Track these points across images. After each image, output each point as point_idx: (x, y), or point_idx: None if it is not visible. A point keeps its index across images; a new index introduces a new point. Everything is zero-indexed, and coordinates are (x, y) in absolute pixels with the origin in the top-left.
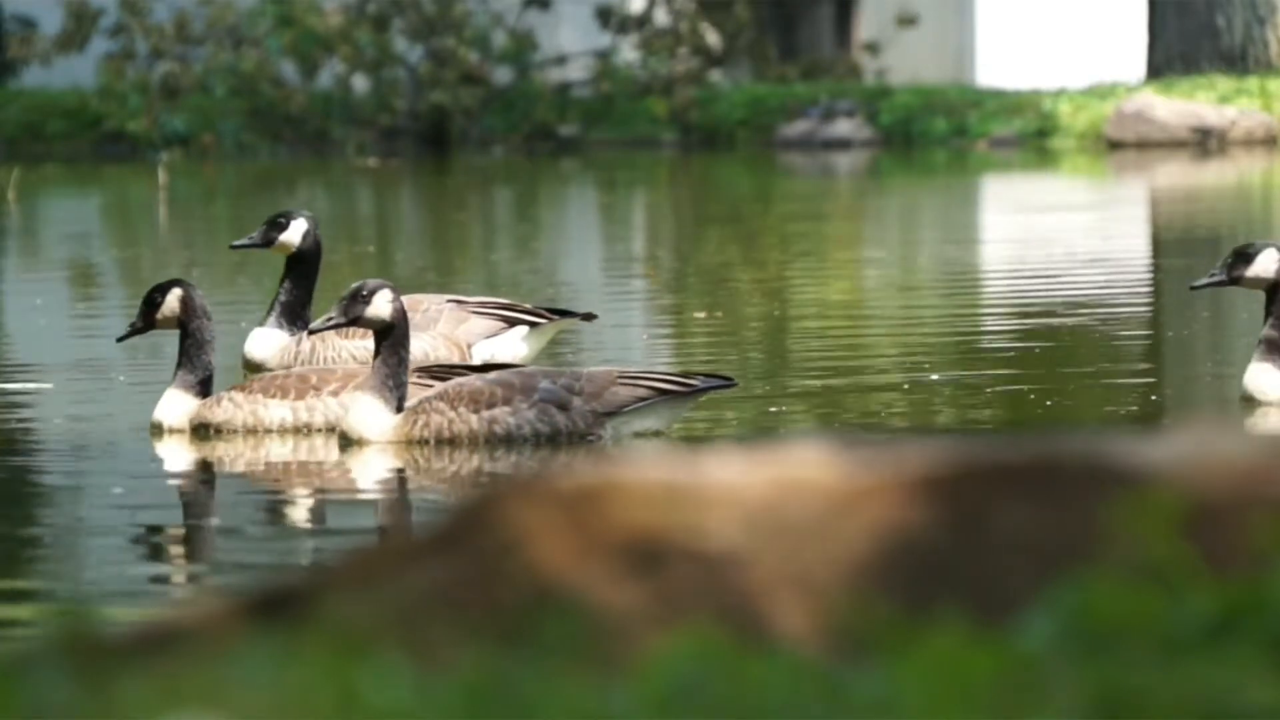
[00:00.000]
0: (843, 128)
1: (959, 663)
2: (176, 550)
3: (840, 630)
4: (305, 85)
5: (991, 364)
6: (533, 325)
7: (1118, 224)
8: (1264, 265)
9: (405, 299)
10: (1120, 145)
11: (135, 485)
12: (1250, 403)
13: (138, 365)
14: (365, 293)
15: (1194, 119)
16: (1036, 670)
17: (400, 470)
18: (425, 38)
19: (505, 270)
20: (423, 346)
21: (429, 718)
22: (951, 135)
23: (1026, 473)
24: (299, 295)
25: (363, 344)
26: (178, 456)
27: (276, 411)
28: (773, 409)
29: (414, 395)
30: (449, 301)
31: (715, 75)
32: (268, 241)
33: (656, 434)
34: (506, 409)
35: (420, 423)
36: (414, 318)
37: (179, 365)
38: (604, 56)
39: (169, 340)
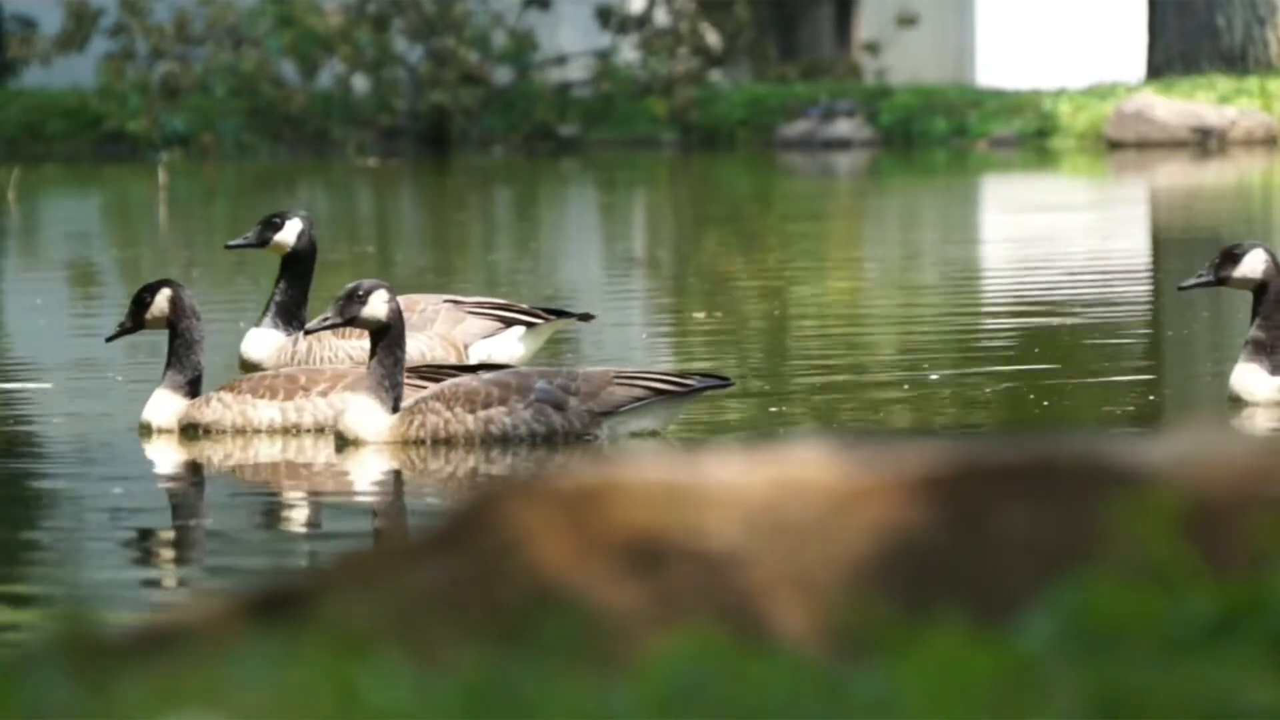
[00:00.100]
0: (843, 128)
1: (959, 663)
2: (174, 551)
3: (840, 630)
4: (305, 85)
5: (991, 364)
6: (529, 325)
7: (1118, 224)
8: (1251, 266)
9: (402, 299)
10: (1120, 145)
11: (134, 485)
12: (1237, 403)
13: (137, 365)
14: (361, 293)
15: (1194, 119)
16: (1036, 670)
17: (396, 470)
18: (425, 38)
19: (505, 270)
20: (419, 347)
21: (429, 718)
22: (951, 135)
23: (1026, 473)
24: (294, 295)
25: (359, 344)
26: (170, 457)
27: (265, 412)
28: (773, 409)
29: (404, 396)
30: (445, 302)
31: (715, 75)
32: (262, 241)
33: (653, 434)
34: (502, 409)
35: (416, 423)
36: (410, 318)
37: (168, 365)
38: (604, 56)
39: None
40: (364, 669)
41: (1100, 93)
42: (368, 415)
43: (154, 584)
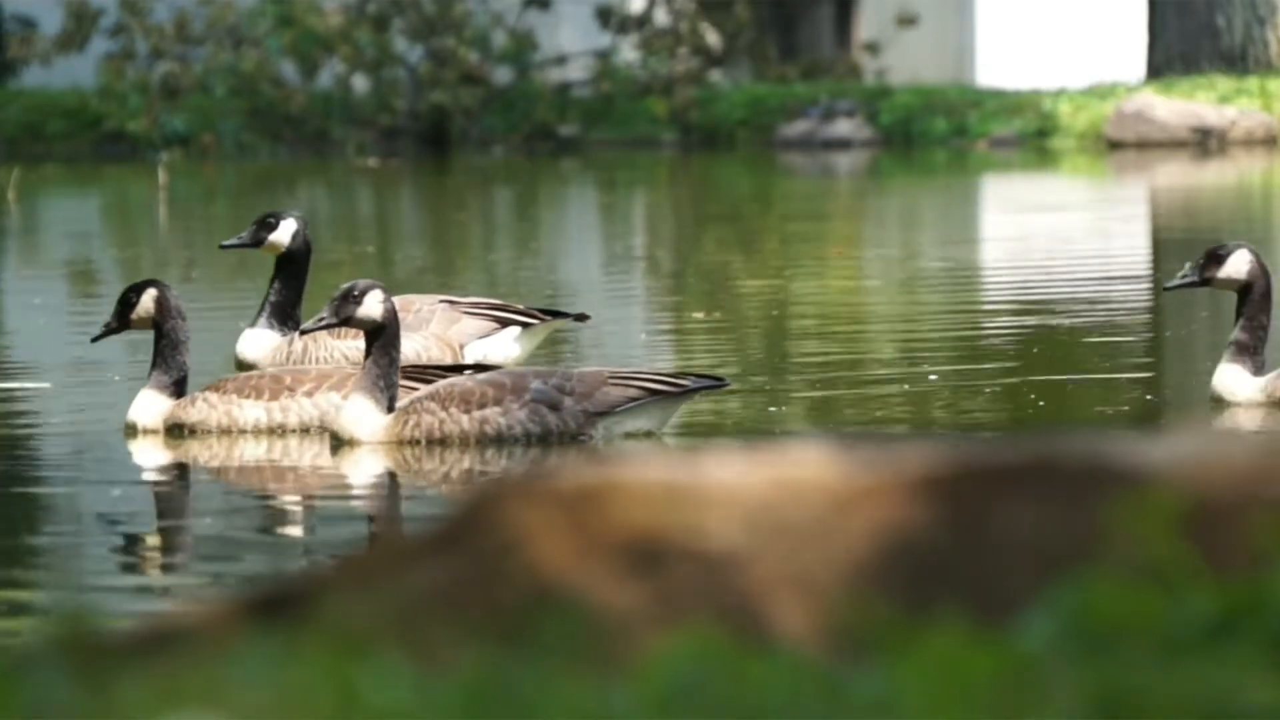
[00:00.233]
0: (843, 128)
1: (959, 663)
2: (172, 552)
3: (840, 630)
4: (305, 85)
5: (991, 364)
6: (525, 326)
7: (1118, 224)
8: (1235, 266)
9: (397, 299)
10: (1120, 145)
11: (132, 485)
12: (1219, 403)
13: (137, 364)
14: (356, 293)
15: (1194, 119)
16: (1036, 670)
17: (391, 471)
18: (425, 38)
19: (505, 270)
20: (415, 347)
21: (429, 718)
22: (951, 135)
23: (1026, 473)
24: (289, 295)
25: (354, 344)
26: (164, 457)
27: (251, 412)
28: (772, 409)
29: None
30: (441, 302)
31: (715, 75)
32: (257, 241)
33: (648, 434)
34: (497, 409)
35: (411, 423)
36: (406, 318)
37: (153, 365)
38: (604, 56)
39: None
40: (364, 669)
41: (1100, 93)
42: (363, 415)
43: (152, 584)
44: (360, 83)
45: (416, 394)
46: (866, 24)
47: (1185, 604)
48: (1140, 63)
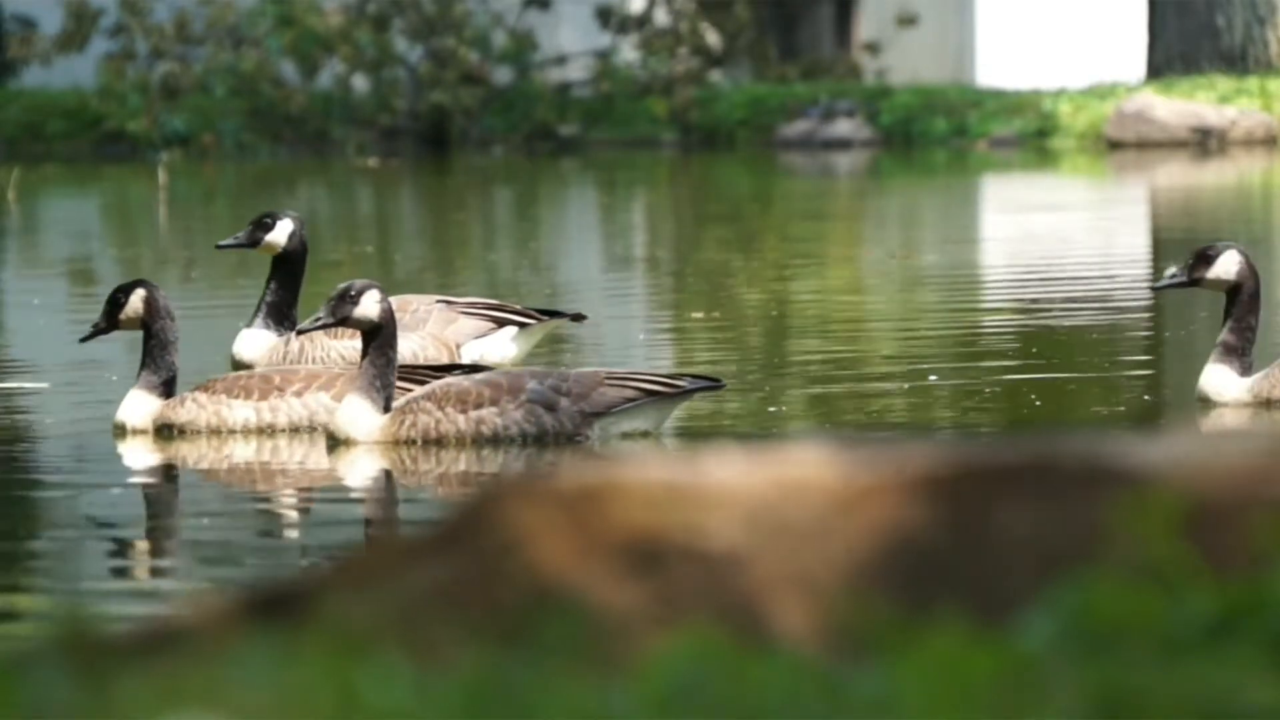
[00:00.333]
0: (843, 128)
1: (959, 663)
2: (170, 553)
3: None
4: (305, 85)
5: (991, 364)
6: (522, 326)
7: (1117, 224)
8: (1224, 267)
9: (394, 299)
10: (1120, 145)
11: (129, 485)
12: (1206, 404)
13: (135, 364)
14: (353, 293)
15: (1194, 119)
16: (1036, 670)
17: (387, 470)
18: (425, 38)
19: (505, 270)
20: (411, 347)
21: (429, 718)
22: (951, 135)
23: (1026, 473)
24: (285, 295)
25: (351, 344)
26: (160, 458)
27: (240, 412)
28: (772, 409)
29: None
30: (438, 302)
31: (715, 75)
32: (253, 242)
33: (644, 435)
34: (494, 409)
35: (407, 423)
36: (403, 318)
37: (142, 366)
38: (604, 56)
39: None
40: (364, 669)
41: (1100, 93)
42: (359, 415)
43: (150, 585)
44: (360, 83)
45: (413, 394)
46: (866, 24)
47: (1185, 604)
48: (1140, 63)
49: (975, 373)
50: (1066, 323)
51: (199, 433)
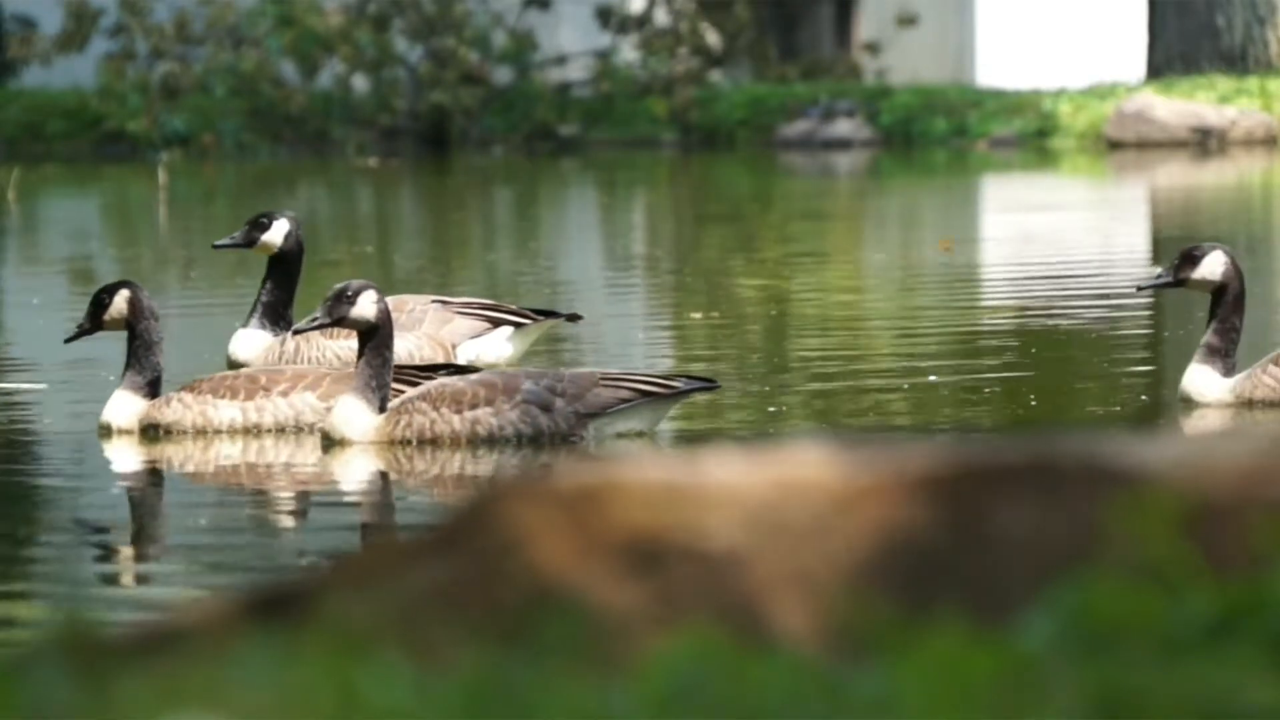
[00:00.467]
0: (843, 128)
1: (959, 663)
2: (167, 553)
3: (840, 630)
4: (305, 85)
5: (991, 364)
6: (517, 326)
7: (1118, 224)
8: (1210, 268)
9: (390, 299)
10: (1120, 145)
11: (127, 486)
12: (1189, 404)
13: None
14: (350, 293)
15: (1194, 119)
16: (1036, 670)
17: (383, 470)
18: (425, 38)
19: (504, 270)
20: (407, 347)
21: (429, 718)
22: (951, 135)
23: (1026, 473)
24: (281, 296)
25: (347, 344)
26: (142, 458)
27: (226, 412)
28: (772, 409)
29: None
30: (434, 302)
31: (715, 75)
32: (250, 242)
33: (639, 435)
34: (489, 410)
35: (403, 423)
36: (399, 318)
37: (127, 366)
38: (604, 56)
39: (166, 341)
40: (364, 669)
41: (1100, 93)
42: (354, 415)
43: (149, 587)
44: (360, 83)
45: (408, 394)
46: (866, 24)
47: (1185, 604)
48: (1140, 63)
49: (975, 373)
50: (1066, 322)
51: (185, 433)
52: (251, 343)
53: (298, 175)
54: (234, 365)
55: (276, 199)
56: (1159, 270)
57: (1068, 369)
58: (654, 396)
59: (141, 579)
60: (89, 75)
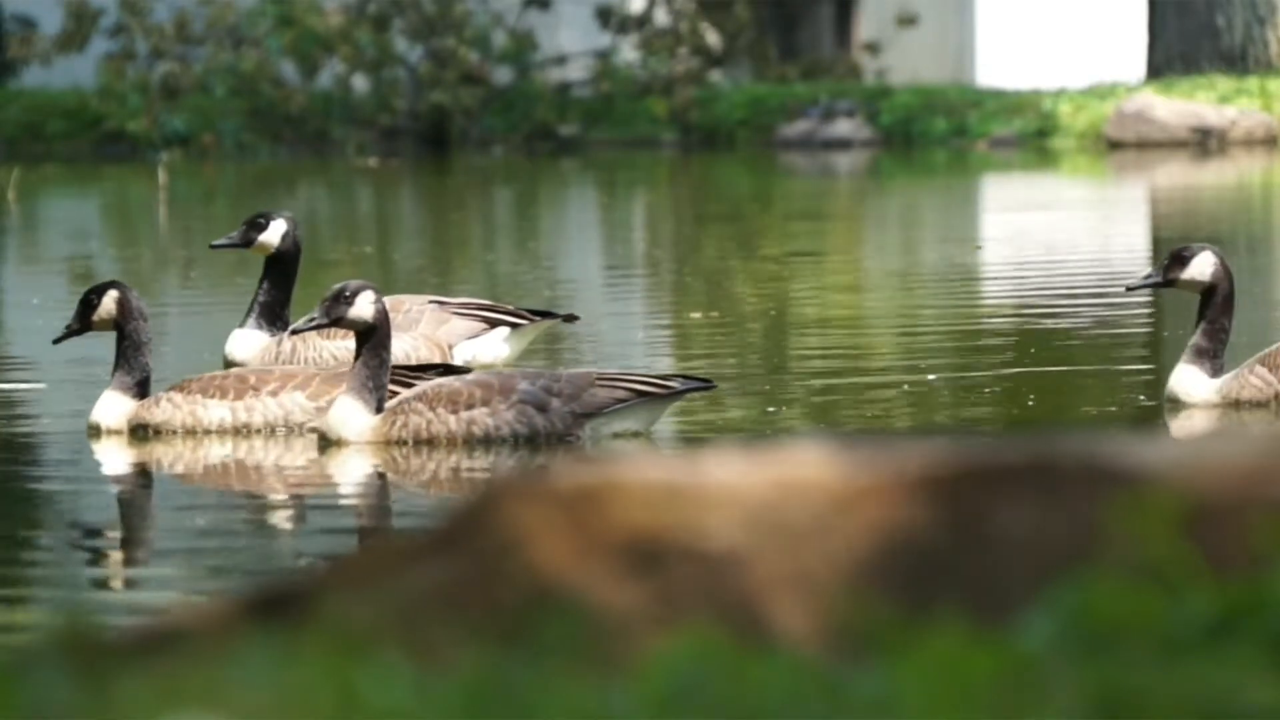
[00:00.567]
0: (843, 128)
1: (959, 663)
2: (165, 553)
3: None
4: (305, 85)
5: (990, 364)
6: (514, 326)
7: (1117, 224)
8: (1199, 268)
9: (387, 300)
10: (1120, 145)
11: (126, 486)
12: (1175, 404)
13: None
14: (348, 294)
15: (1194, 119)
16: (1036, 670)
17: (379, 471)
18: (425, 38)
19: (504, 270)
20: (404, 347)
21: (429, 718)
22: (951, 135)
23: (1026, 473)
24: (278, 296)
25: (344, 344)
26: (136, 458)
27: (215, 412)
28: (771, 409)
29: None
30: (430, 302)
31: (715, 75)
32: (247, 242)
33: (635, 435)
34: (485, 410)
35: (399, 423)
36: (396, 319)
37: (116, 366)
38: (604, 56)
39: (165, 341)
40: (364, 669)
41: (1100, 93)
42: (351, 415)
43: (147, 587)
44: (360, 83)
45: (404, 394)
46: (866, 24)
47: (1185, 604)
48: (1140, 63)
49: (975, 373)
50: (1066, 322)
51: (174, 433)
52: (248, 343)
53: (298, 175)
54: (231, 365)
55: (276, 199)
56: (1149, 270)
57: (1067, 369)
58: (650, 397)
59: (139, 582)
60: (89, 75)
